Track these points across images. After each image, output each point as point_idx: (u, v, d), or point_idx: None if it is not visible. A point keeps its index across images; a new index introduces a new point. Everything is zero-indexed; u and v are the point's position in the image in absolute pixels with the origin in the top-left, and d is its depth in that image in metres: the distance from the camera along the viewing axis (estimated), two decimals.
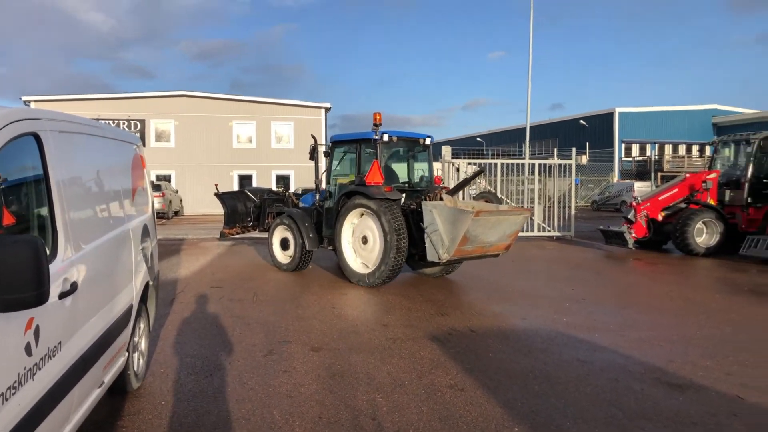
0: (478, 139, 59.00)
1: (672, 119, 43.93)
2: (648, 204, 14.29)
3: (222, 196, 12.89)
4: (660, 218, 14.32)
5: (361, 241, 9.30)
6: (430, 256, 8.60)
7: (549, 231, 17.46)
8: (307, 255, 10.64)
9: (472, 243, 8.36)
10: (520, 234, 17.43)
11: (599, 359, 5.67)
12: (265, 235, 12.33)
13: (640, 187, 29.04)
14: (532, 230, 17.42)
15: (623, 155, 42.93)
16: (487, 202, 14.11)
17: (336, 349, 5.93)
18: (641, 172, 38.70)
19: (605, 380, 5.06)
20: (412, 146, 10.47)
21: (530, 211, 9.50)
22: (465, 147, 43.71)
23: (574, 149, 18.24)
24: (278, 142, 33.51)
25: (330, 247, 10.32)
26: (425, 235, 8.61)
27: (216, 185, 14.64)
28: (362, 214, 9.37)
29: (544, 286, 9.62)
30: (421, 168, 10.76)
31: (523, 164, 18.76)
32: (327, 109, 34.12)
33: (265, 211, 12.42)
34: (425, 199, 9.18)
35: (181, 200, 30.04)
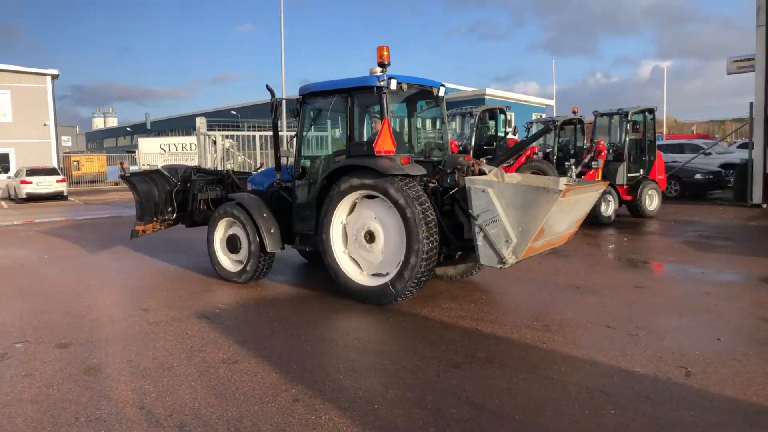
0: (232, 112, 57.42)
1: None
2: None
3: (130, 179, 8.97)
4: None
5: (363, 238, 6.42)
6: (485, 259, 5.83)
7: None
8: (268, 259, 7.44)
9: (545, 236, 5.85)
10: None
11: (366, 316, 6.06)
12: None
13: None
14: None
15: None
16: (534, 174, 11.12)
17: (89, 342, 5.30)
18: None
19: (370, 332, 5.45)
20: (420, 99, 7.40)
21: (607, 184, 6.83)
22: (219, 119, 42.21)
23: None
24: None
25: (307, 248, 7.33)
26: (475, 229, 5.83)
27: (122, 164, 11.26)
28: (362, 199, 6.52)
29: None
30: (432, 129, 7.62)
31: (281, 136, 18.85)
32: (54, 77, 29.70)
33: (195, 197, 8.83)
34: (453, 173, 6.59)
35: None
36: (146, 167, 19.74)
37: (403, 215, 5.97)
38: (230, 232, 7.62)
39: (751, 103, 15.20)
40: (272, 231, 7.19)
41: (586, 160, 13.57)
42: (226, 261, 7.72)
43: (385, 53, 6.30)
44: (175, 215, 8.96)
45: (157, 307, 6.46)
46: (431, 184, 6.51)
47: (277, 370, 4.50)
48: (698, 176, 17.71)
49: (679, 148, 21.63)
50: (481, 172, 6.52)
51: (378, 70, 6.48)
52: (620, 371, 4.35)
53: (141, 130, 63.47)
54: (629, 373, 4.32)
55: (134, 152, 38.36)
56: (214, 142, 16.17)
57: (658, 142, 15.45)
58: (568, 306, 6.22)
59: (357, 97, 6.67)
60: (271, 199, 7.54)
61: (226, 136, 17.63)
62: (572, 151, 15.53)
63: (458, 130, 17.78)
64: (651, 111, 14.56)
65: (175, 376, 4.41)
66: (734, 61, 18.33)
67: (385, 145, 6.25)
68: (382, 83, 6.35)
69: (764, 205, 14.81)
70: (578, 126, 15.85)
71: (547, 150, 15.40)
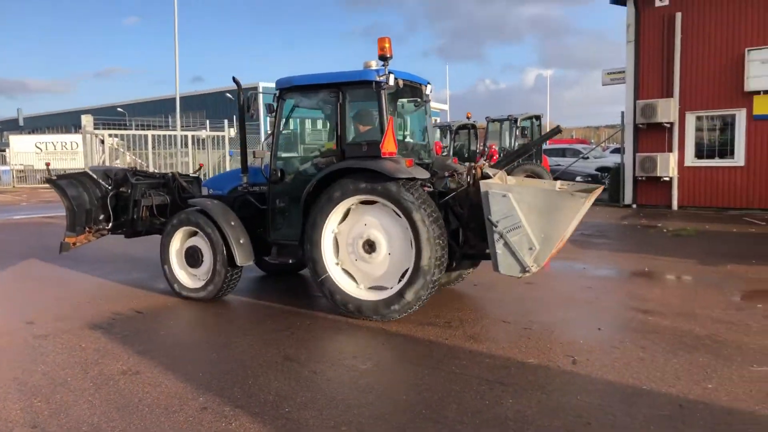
0: (119, 109, 54.14)
1: None
2: None
3: (59, 183, 7.54)
4: None
5: (362, 248, 5.86)
6: (505, 268, 5.48)
7: None
8: (236, 273, 6.59)
9: (561, 241, 5.62)
10: None
11: (271, 321, 6.03)
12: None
13: None
14: None
15: (268, 128, 45.37)
16: (528, 177, 10.66)
17: None
18: None
19: (279, 337, 5.43)
20: (406, 96, 6.80)
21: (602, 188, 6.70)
22: (105, 117, 39.71)
23: (226, 121, 18.45)
24: None
25: (289, 260, 6.62)
26: (494, 236, 5.44)
27: (47, 165, 9.40)
28: (358, 205, 5.92)
29: None
30: (417, 130, 6.99)
31: (174, 136, 18.14)
32: None
33: (137, 203, 7.57)
34: (448, 177, 6.27)
35: None
36: (20, 167, 18.12)
37: (410, 221, 5.52)
38: (189, 244, 6.72)
39: (623, 113, 16.70)
40: (242, 241, 6.37)
41: (479, 163, 14.26)
42: (185, 277, 6.80)
43: (387, 45, 5.80)
44: (111, 224, 7.65)
45: (44, 319, 6.03)
46: (426, 188, 6.03)
47: (182, 380, 4.38)
48: (578, 179, 19.19)
49: (562, 152, 23.33)
50: (485, 176, 6.13)
51: (373, 64, 5.98)
52: (516, 363, 4.68)
53: (12, 126, 58.14)
54: (524, 364, 4.66)
55: (5, 151, 35.08)
56: (102, 142, 15.23)
57: (543, 147, 16.55)
58: (467, 303, 6.56)
59: (350, 92, 6.03)
60: (234, 205, 6.75)
61: (114, 135, 16.65)
62: (466, 155, 16.25)
63: None
64: (537, 117, 15.61)
65: (69, 392, 4.17)
66: (608, 74, 20.02)
67: (389, 146, 5.71)
68: (381, 78, 5.79)
69: (634, 206, 16.29)
70: (472, 130, 16.65)
71: (444, 154, 16.02)
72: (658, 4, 15.44)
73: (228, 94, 45.99)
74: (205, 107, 46.57)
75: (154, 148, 17.07)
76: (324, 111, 6.83)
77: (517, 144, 14.88)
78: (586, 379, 4.34)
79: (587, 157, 22.12)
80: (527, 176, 11.83)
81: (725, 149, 14.99)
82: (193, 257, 6.69)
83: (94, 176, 7.72)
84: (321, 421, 3.69)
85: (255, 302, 6.68)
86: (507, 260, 5.45)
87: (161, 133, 17.62)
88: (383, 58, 5.87)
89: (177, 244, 6.83)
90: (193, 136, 17.62)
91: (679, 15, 15.04)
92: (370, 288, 5.93)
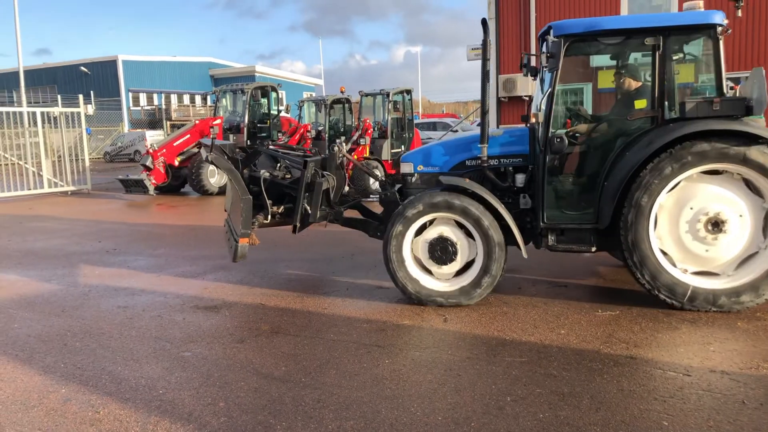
0: None
1: (175, 70, 45.58)
2: (164, 150, 14.73)
3: (227, 164, 5.86)
4: (176, 163, 15.02)
5: (704, 228, 4.92)
6: None
7: (62, 186, 16.05)
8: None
9: None
10: (30, 191, 15.45)
11: (139, 302, 5.74)
12: None
13: (152, 136, 29.47)
14: (42, 186, 15.68)
15: (131, 104, 42.33)
16: None
17: None
18: (152, 121, 39.10)
19: (148, 319, 5.20)
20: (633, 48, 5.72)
21: None
22: None
23: (81, 97, 16.89)
24: None
25: (592, 249, 5.34)
26: None
27: (212, 139, 6.52)
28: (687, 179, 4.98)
29: (70, 243, 8.91)
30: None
31: (21, 113, 16.36)
32: None
33: (310, 187, 5.87)
34: None
35: None
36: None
37: None
38: (434, 235, 5.34)
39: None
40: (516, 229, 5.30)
41: (354, 138, 14.41)
42: (429, 279, 5.41)
43: None
44: (269, 216, 5.99)
45: None
46: None
47: (41, 373, 4.07)
48: None
49: (433, 126, 24.22)
50: None
51: (700, 4, 5.14)
52: (392, 325, 4.87)
53: None
54: (399, 325, 4.86)
55: None
56: None
57: (415, 121, 17.07)
58: (343, 273, 6.66)
59: (673, 40, 5.10)
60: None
61: None
62: (342, 129, 16.31)
63: (230, 108, 17.41)
64: (408, 92, 15.99)
65: None
66: (472, 49, 20.93)
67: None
68: (724, 22, 4.92)
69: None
70: (346, 105, 16.71)
71: (319, 128, 15.95)
72: None
73: (83, 68, 42.19)
74: (56, 82, 42.40)
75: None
76: (626, 61, 5.82)
77: (389, 118, 15.15)
78: (456, 335, 4.62)
79: (456, 131, 23.12)
80: None
81: None
82: (444, 251, 5.32)
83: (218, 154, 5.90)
84: (197, 399, 3.61)
85: (110, 284, 6.31)
86: None
87: (5, 109, 15.80)
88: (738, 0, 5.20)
89: (410, 238, 5.43)
90: (42, 113, 15.98)
91: None
92: (696, 273, 5.12)
